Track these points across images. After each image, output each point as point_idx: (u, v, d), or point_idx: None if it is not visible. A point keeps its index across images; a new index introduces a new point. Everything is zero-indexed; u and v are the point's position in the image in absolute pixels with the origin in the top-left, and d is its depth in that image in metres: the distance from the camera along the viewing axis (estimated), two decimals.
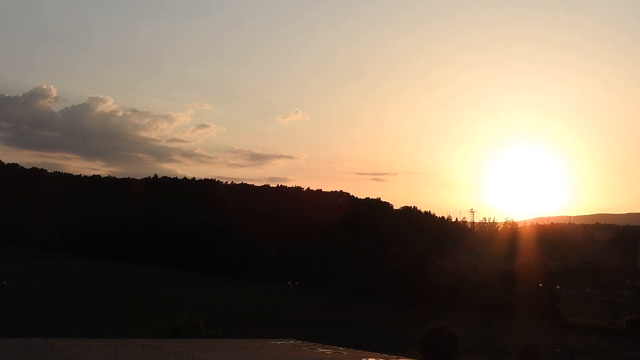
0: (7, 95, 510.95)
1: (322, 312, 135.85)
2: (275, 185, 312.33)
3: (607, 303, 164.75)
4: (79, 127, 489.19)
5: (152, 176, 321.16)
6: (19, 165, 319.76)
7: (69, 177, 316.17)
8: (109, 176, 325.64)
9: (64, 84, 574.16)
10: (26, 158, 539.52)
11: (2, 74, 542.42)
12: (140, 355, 14.17)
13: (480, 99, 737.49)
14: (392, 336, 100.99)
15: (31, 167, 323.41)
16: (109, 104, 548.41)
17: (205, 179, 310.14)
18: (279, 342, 16.78)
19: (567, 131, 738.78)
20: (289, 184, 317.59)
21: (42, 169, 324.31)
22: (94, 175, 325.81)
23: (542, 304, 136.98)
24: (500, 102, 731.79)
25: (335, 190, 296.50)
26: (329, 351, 15.40)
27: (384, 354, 15.15)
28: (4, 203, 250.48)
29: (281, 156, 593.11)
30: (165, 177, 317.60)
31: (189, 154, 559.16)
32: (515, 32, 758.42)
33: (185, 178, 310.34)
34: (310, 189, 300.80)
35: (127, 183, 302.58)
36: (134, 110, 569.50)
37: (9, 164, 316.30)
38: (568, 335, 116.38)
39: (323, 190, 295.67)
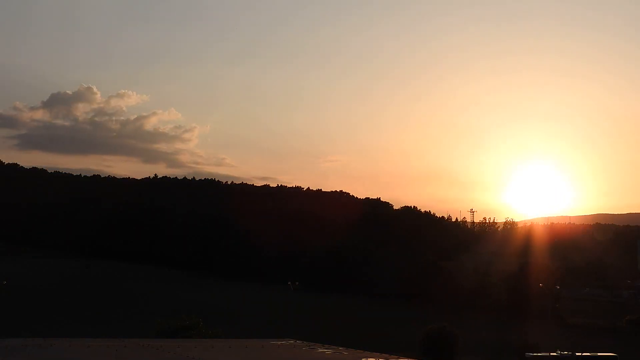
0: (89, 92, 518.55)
1: (322, 312, 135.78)
2: (275, 185, 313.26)
3: (607, 303, 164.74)
4: (142, 130, 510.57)
5: (151, 176, 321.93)
6: (19, 165, 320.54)
7: (68, 176, 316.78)
8: (109, 176, 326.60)
9: (139, 88, 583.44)
10: (79, 163, 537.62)
11: (91, 72, 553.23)
12: (140, 355, 14.16)
13: (479, 99, 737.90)
14: (392, 336, 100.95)
15: (31, 166, 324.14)
16: (171, 112, 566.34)
17: (205, 179, 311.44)
18: (279, 342, 16.75)
19: (567, 131, 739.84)
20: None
21: (42, 168, 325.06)
22: (94, 175, 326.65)
23: (543, 304, 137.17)
24: (499, 103, 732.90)
25: (335, 190, 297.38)
26: (328, 351, 15.36)
27: (384, 354, 15.12)
28: (4, 203, 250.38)
29: (331, 161, 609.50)
30: (165, 177, 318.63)
31: (240, 157, 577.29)
32: (520, 35, 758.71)
33: (185, 178, 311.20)
34: (310, 188, 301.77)
35: (128, 182, 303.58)
36: (197, 115, 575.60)
37: (8, 164, 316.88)
38: (568, 335, 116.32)
39: (323, 190, 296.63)
